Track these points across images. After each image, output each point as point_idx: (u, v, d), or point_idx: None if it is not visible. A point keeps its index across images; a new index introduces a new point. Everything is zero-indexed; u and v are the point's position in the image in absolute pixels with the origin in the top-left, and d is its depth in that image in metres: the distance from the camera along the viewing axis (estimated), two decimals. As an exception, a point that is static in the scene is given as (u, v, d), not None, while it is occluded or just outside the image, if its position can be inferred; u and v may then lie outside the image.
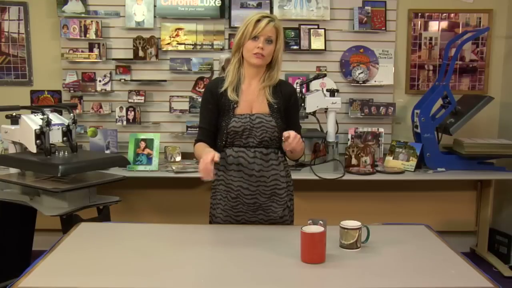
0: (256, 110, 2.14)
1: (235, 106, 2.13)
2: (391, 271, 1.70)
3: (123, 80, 3.86)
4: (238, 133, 2.11)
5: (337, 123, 3.55)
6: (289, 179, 2.26)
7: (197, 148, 2.17)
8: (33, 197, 2.75)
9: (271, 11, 3.83)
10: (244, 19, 2.13)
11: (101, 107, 3.88)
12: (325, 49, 3.88)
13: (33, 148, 2.71)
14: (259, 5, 3.83)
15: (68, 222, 2.50)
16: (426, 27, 3.96)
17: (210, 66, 3.86)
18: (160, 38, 3.83)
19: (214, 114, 2.16)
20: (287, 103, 2.18)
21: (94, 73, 3.87)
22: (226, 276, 1.66)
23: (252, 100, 2.15)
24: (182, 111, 3.89)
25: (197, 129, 2.26)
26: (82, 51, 3.82)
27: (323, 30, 3.87)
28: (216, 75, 3.83)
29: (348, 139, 3.88)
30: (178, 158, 3.79)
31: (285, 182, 2.20)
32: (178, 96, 3.89)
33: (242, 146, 2.14)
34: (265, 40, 2.07)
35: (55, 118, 2.82)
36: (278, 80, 2.19)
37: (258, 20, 2.07)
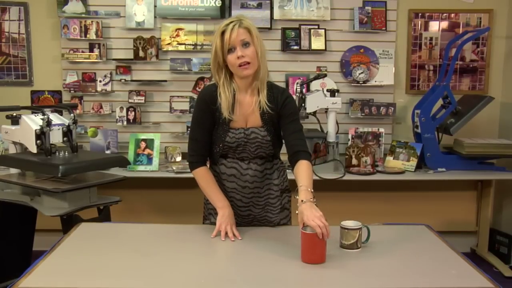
0: (251, 124, 2.05)
1: (230, 119, 2.03)
2: (392, 271, 1.70)
3: (123, 80, 3.86)
4: (231, 148, 2.05)
5: (337, 123, 3.55)
6: (285, 184, 2.21)
7: (203, 179, 2.06)
8: (33, 197, 2.75)
9: (271, 11, 3.83)
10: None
11: (101, 107, 3.88)
12: (325, 49, 3.88)
13: (33, 148, 2.71)
14: (259, 5, 3.83)
15: (69, 222, 2.50)
16: (426, 27, 3.96)
17: (210, 66, 3.85)
18: (160, 38, 3.83)
19: (211, 124, 2.05)
20: (282, 110, 2.06)
21: (95, 73, 3.87)
22: (227, 276, 1.66)
23: (247, 113, 2.05)
24: (182, 111, 3.89)
25: (191, 140, 2.09)
26: (82, 51, 3.82)
27: (323, 30, 3.87)
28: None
29: (349, 139, 3.88)
30: (179, 158, 3.79)
31: (278, 190, 2.16)
32: (178, 96, 3.89)
33: (237, 158, 2.09)
34: (241, 46, 1.94)
35: (55, 118, 2.82)
36: (269, 84, 2.07)
37: (223, 32, 1.94)
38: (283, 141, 2.13)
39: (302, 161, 1.99)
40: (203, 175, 2.08)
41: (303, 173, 1.94)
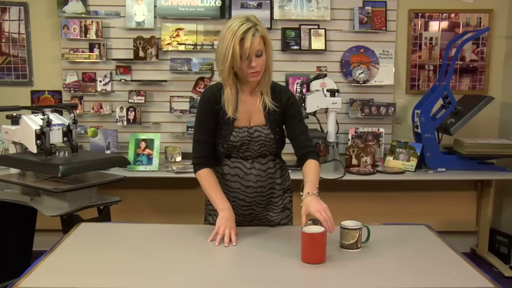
0: (254, 122, 2.06)
1: (235, 118, 2.04)
2: (392, 271, 1.70)
3: (123, 80, 3.86)
4: (235, 147, 2.06)
5: (337, 123, 3.55)
6: (287, 183, 2.22)
7: (206, 180, 2.05)
8: (33, 197, 2.75)
9: (271, 11, 3.83)
10: (225, 34, 1.94)
11: (101, 107, 3.89)
12: (325, 49, 3.88)
13: (33, 148, 2.71)
14: (259, 5, 3.83)
15: (69, 222, 2.50)
16: (426, 27, 3.96)
17: (210, 66, 3.86)
18: (160, 38, 3.83)
19: (214, 125, 2.06)
20: (286, 110, 2.08)
21: (95, 73, 3.87)
22: (227, 276, 1.66)
23: (250, 111, 2.06)
24: (182, 111, 3.89)
25: (195, 141, 2.09)
26: (82, 51, 3.82)
27: (323, 30, 3.87)
28: (216, 75, 3.82)
29: (349, 139, 3.88)
30: (179, 158, 3.79)
31: (280, 190, 2.17)
32: (178, 96, 3.89)
33: (240, 158, 2.10)
34: (255, 56, 1.93)
35: (55, 118, 2.82)
36: (271, 83, 2.08)
37: (242, 39, 1.89)
38: (288, 140, 2.14)
39: (312, 160, 2.07)
40: (205, 176, 2.08)
41: (311, 170, 2.03)
